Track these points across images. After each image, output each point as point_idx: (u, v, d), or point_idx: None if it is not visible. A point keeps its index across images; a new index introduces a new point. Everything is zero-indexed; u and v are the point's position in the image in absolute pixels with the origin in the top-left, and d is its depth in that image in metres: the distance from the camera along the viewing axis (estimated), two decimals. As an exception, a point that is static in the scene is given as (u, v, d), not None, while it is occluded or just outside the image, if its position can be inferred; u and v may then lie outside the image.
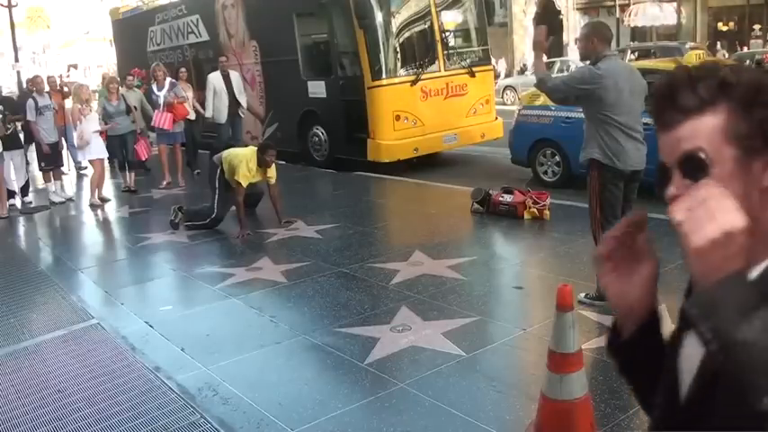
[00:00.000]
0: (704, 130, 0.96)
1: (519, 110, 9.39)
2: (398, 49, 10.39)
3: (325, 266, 5.91)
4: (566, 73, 14.42)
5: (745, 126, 0.95)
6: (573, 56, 21.89)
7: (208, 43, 13.49)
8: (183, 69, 12.13)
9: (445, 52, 10.51)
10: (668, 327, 1.07)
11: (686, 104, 0.96)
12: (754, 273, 0.91)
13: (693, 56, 8.66)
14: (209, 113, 10.92)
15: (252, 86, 12.38)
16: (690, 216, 0.86)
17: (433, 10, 10.36)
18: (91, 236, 8.42)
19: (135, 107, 10.46)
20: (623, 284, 1.06)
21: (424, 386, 3.68)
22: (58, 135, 10.17)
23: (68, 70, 20.42)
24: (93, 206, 9.45)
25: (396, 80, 10.11)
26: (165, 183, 10.28)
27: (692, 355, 0.93)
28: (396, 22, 10.30)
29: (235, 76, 11.21)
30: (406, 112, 10.12)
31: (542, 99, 8.03)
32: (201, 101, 11.20)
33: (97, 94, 12.54)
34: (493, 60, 12.90)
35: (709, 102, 0.95)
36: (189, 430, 3.42)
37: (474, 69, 10.81)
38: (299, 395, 3.70)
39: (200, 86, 11.76)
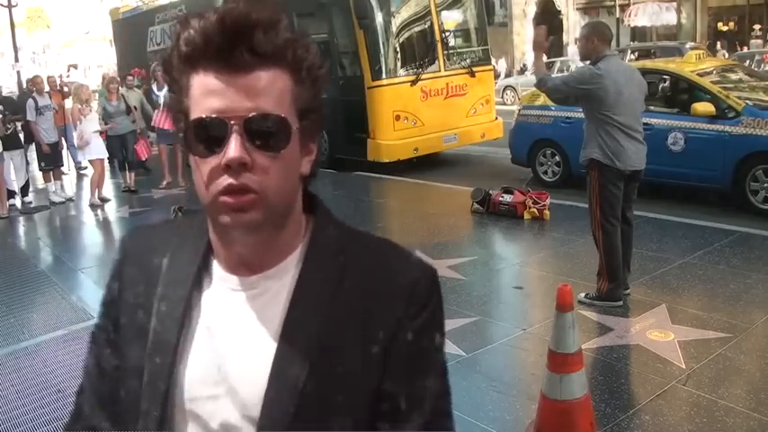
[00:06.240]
0: (279, 86, 0.81)
1: (519, 110, 9.39)
2: (398, 49, 10.38)
3: (326, 266, 5.89)
4: (566, 73, 14.41)
5: (307, 96, 0.84)
6: (573, 56, 21.86)
7: None
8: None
9: (445, 52, 10.51)
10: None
11: (262, 49, 0.79)
12: (289, 260, 0.87)
13: (693, 56, 8.61)
14: None
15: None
16: None
17: (433, 10, 10.36)
18: (91, 236, 8.42)
19: (135, 107, 10.46)
20: None
21: (424, 386, 3.67)
22: (58, 135, 10.17)
23: (68, 70, 20.42)
24: (93, 206, 9.46)
25: (396, 80, 10.11)
26: (165, 183, 10.27)
27: None
28: (396, 22, 10.30)
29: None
30: (406, 112, 10.12)
31: (542, 99, 8.02)
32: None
33: (97, 94, 12.53)
34: (493, 60, 12.90)
35: (281, 52, 0.81)
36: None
37: (474, 69, 10.82)
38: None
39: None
